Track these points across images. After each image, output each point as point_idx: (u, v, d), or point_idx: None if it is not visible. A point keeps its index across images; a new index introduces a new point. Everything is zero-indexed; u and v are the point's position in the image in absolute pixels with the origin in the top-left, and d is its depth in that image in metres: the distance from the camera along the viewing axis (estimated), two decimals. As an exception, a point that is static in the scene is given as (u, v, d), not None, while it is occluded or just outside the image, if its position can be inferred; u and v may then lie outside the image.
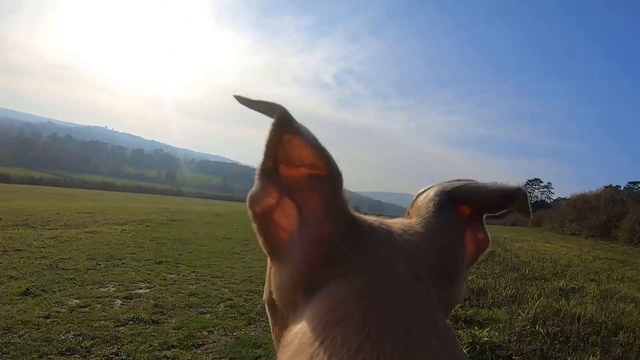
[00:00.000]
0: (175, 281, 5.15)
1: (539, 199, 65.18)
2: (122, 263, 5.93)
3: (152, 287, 4.79)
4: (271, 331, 0.41)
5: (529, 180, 68.85)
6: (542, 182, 68.51)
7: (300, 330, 0.29)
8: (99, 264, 5.72)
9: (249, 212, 0.35)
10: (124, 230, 9.05)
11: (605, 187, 42.78)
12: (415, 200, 0.43)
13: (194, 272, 5.77)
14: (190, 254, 7.13)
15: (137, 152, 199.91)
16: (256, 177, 0.34)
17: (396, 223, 0.39)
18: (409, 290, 0.32)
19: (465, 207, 0.41)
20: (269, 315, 0.41)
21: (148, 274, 5.41)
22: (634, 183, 46.38)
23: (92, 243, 7.20)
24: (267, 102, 0.34)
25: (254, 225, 0.36)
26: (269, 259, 0.38)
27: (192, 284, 5.07)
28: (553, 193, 68.59)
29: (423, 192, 0.43)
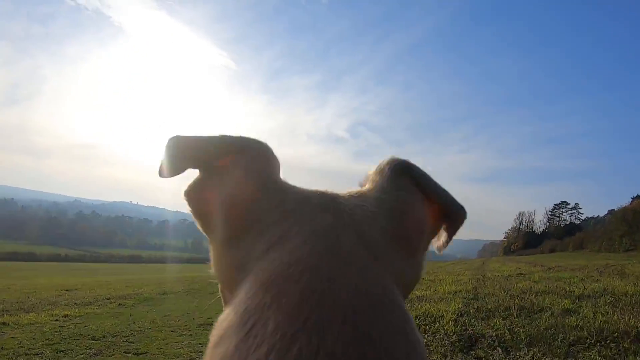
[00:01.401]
0: None
1: (568, 222, 62.29)
2: None
3: None
4: None
5: (555, 204, 66.18)
6: (568, 204, 65.52)
7: (231, 311, 0.25)
8: None
9: (184, 199, 0.35)
10: (66, 316, 6.45)
11: (633, 198, 40.83)
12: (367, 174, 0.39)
13: None
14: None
15: (162, 223, 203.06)
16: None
17: (344, 191, 0.35)
18: (356, 263, 0.26)
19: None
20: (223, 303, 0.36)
21: None
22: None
23: None
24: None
25: (189, 210, 0.35)
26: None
27: None
28: (582, 214, 65.43)
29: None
